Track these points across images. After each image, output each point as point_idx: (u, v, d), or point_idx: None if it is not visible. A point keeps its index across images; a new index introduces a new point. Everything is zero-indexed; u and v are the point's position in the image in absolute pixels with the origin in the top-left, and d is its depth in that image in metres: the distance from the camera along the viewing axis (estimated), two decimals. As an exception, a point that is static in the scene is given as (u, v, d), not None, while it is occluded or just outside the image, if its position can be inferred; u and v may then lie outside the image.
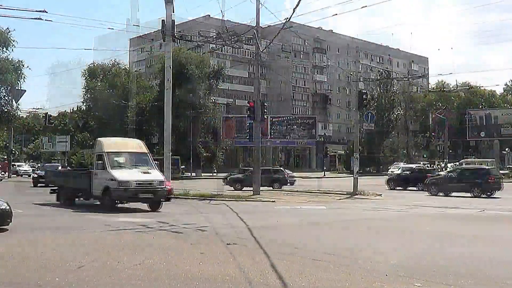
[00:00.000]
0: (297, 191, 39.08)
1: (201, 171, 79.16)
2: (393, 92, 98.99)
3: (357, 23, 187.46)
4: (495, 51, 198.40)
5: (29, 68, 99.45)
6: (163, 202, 24.54)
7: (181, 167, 72.76)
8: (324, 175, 78.88)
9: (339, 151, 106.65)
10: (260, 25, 35.32)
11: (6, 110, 68.44)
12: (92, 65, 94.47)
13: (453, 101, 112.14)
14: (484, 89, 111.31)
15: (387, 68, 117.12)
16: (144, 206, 24.21)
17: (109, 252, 12.27)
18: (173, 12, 35.06)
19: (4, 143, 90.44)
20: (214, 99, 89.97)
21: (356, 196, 34.28)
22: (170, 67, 36.87)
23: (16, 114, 71.22)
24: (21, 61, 68.50)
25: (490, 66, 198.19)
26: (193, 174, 75.75)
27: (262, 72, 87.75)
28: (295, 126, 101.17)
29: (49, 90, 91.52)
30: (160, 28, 35.23)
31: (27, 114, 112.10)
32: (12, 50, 67.51)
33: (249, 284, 9.03)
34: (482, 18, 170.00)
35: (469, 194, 35.12)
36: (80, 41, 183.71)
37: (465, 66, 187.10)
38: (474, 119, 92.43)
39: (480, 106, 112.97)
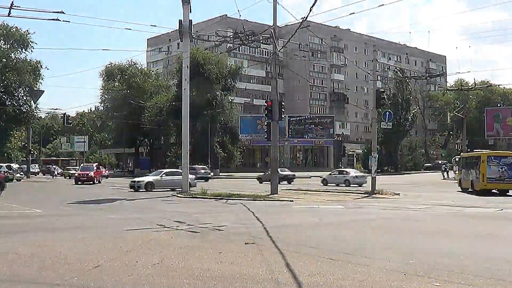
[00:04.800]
0: (315, 191, 39.09)
1: (219, 171, 79.30)
2: (410, 91, 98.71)
3: (374, 22, 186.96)
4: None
5: (47, 68, 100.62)
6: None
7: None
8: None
9: (357, 150, 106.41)
10: (277, 24, 35.30)
11: (24, 110, 68.95)
12: (110, 65, 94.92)
13: (471, 100, 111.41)
14: (504, 87, 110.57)
15: (404, 66, 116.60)
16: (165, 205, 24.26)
17: (127, 251, 12.32)
18: (190, 12, 35.15)
19: (23, 143, 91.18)
20: (231, 99, 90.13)
21: (374, 195, 34.27)
22: (187, 67, 36.98)
23: (34, 114, 71.71)
24: (39, 62, 69.13)
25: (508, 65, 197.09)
26: (211, 173, 75.79)
27: (279, 71, 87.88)
28: (313, 125, 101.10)
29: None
30: (178, 28, 35.33)
31: (46, 115, 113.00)
32: (32, 51, 68.20)
33: (268, 284, 9.03)
34: (499, 16, 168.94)
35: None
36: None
37: (483, 64, 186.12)
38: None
39: (499, 105, 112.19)
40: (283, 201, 29.82)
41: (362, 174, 54.39)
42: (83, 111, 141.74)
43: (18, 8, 27.96)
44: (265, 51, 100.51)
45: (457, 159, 51.48)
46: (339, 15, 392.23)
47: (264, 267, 10.42)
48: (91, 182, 54.70)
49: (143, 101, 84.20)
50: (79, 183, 54.03)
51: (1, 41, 67.83)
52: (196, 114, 61.73)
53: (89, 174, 55.94)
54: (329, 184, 50.02)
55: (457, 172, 48.56)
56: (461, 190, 41.66)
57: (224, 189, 38.40)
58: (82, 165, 69.84)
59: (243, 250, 12.48)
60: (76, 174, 59.26)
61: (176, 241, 13.97)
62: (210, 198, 31.27)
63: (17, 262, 11.15)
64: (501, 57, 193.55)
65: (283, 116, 37.64)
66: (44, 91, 76.05)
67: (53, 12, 28.47)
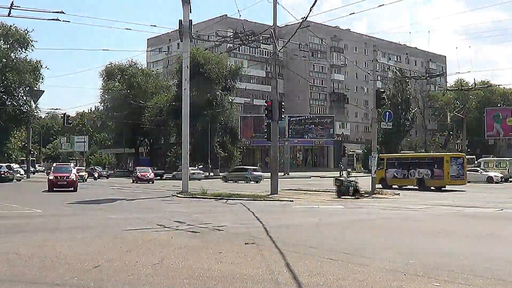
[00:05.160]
0: (315, 191, 39.01)
1: (219, 171, 79.27)
2: (410, 91, 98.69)
3: (374, 22, 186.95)
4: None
5: (47, 68, 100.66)
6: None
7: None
8: (341, 174, 78.42)
9: (357, 150, 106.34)
10: (277, 24, 35.29)
11: (25, 110, 68.85)
12: (110, 65, 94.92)
13: (471, 100, 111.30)
14: (504, 87, 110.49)
15: (404, 66, 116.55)
16: (165, 205, 24.23)
17: (127, 251, 12.31)
18: (190, 12, 35.15)
19: (23, 143, 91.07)
20: (232, 99, 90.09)
21: (374, 196, 34.26)
22: (187, 67, 36.96)
23: (34, 114, 71.56)
24: (39, 62, 69.04)
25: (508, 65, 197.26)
26: (211, 174, 75.86)
27: (279, 71, 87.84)
28: (313, 125, 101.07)
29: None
30: (178, 28, 35.33)
31: (46, 115, 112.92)
32: (32, 50, 68.07)
33: (268, 284, 9.03)
34: (499, 16, 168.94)
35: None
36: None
37: (483, 64, 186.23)
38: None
39: (499, 105, 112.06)
40: (283, 201, 29.81)
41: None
42: (83, 111, 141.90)
43: (18, 8, 28.00)
44: (265, 51, 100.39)
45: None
46: (339, 15, 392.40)
47: (264, 267, 10.42)
48: (71, 189, 39.52)
49: (143, 101, 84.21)
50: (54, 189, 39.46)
51: (1, 41, 67.74)
52: (196, 114, 61.65)
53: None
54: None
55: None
56: (382, 187, 43.23)
57: (224, 189, 38.39)
58: (55, 165, 50.32)
59: (243, 250, 12.47)
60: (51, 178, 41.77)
61: (176, 241, 13.96)
62: (210, 198, 31.26)
63: (17, 262, 11.14)
64: (501, 57, 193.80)
65: (283, 116, 37.64)
66: (44, 91, 75.97)
67: (53, 12, 28.50)
